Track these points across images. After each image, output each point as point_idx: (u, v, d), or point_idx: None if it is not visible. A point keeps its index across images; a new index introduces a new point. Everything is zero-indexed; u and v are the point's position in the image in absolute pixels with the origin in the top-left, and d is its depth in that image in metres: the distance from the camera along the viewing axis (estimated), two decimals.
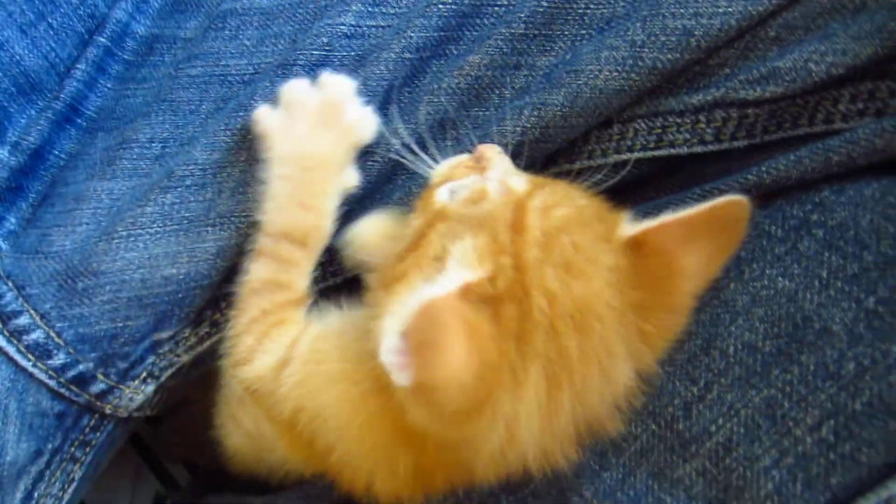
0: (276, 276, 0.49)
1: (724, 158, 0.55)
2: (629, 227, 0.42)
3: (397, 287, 0.39)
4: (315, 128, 0.50)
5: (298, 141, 0.50)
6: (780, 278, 0.44)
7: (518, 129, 0.53)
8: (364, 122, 0.52)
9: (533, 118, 0.52)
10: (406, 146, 0.52)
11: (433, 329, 0.33)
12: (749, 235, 0.48)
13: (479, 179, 0.45)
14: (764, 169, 0.48)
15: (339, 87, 0.52)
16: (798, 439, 0.41)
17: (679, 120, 0.54)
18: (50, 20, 0.62)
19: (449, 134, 0.55)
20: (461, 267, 0.38)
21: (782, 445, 0.42)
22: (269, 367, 0.46)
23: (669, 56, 0.51)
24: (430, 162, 0.51)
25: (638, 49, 0.51)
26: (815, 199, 0.46)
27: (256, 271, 0.49)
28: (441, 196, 0.45)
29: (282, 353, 0.46)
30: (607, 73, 0.51)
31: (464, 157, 0.50)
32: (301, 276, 0.49)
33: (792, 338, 0.43)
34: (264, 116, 0.52)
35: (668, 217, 0.41)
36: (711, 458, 0.43)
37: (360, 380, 0.43)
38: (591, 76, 0.51)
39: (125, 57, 0.65)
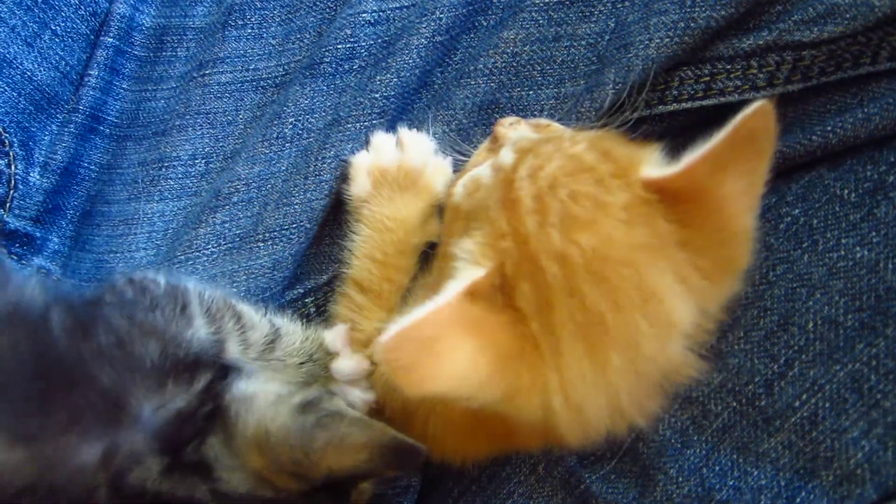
0: (350, 315, 0.51)
1: (778, 101, 0.52)
2: (654, 169, 0.38)
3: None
4: (395, 192, 0.51)
5: (380, 204, 0.52)
6: (857, 248, 0.43)
7: (573, 116, 0.51)
8: (439, 179, 0.52)
9: (587, 103, 0.50)
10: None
11: (412, 350, 0.33)
12: (819, 200, 0.46)
13: (485, 166, 0.43)
14: (829, 129, 0.46)
15: (417, 148, 0.52)
16: (887, 410, 0.42)
17: (729, 66, 0.51)
18: (53, 27, 0.59)
19: (492, 118, 0.52)
20: (469, 267, 0.37)
21: (871, 417, 0.42)
22: None
23: (723, 12, 0.47)
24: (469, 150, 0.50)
25: (688, 10, 0.47)
26: (889, 158, 0.44)
27: (339, 308, 0.52)
28: (456, 193, 0.44)
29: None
30: (658, 42, 0.48)
31: (486, 142, 0.48)
32: (366, 321, 0.50)
33: (875, 310, 0.42)
34: (357, 171, 0.53)
35: (691, 157, 0.36)
36: (797, 432, 0.44)
37: None
38: (642, 47, 0.48)
39: (136, 53, 0.62)
